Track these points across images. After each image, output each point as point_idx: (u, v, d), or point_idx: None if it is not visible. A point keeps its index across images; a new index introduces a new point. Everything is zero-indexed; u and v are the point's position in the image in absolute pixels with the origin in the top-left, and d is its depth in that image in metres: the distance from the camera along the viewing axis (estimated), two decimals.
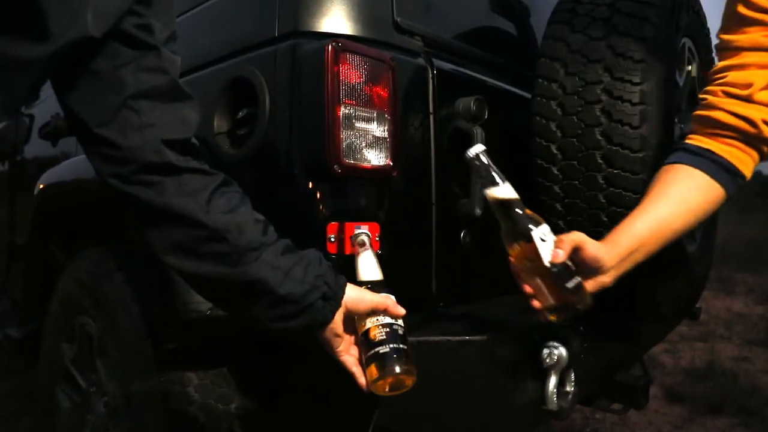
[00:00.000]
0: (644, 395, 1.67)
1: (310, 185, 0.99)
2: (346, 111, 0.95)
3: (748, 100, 0.89)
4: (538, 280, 0.86)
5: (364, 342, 0.82)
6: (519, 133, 1.23)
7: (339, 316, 0.81)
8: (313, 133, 0.97)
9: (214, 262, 0.74)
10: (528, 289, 0.88)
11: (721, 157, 0.92)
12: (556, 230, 1.19)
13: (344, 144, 0.95)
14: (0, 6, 0.57)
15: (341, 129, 0.95)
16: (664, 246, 0.93)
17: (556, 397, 0.99)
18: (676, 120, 1.22)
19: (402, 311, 0.84)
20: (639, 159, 1.06)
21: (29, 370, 1.93)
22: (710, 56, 1.52)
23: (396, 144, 1.03)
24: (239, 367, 1.20)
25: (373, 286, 0.87)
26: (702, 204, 0.93)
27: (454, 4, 1.34)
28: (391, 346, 0.80)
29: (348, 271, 0.88)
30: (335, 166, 0.95)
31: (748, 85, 0.89)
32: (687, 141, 0.96)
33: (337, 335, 0.83)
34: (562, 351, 0.99)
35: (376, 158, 1.00)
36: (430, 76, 1.15)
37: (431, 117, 1.14)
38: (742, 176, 0.93)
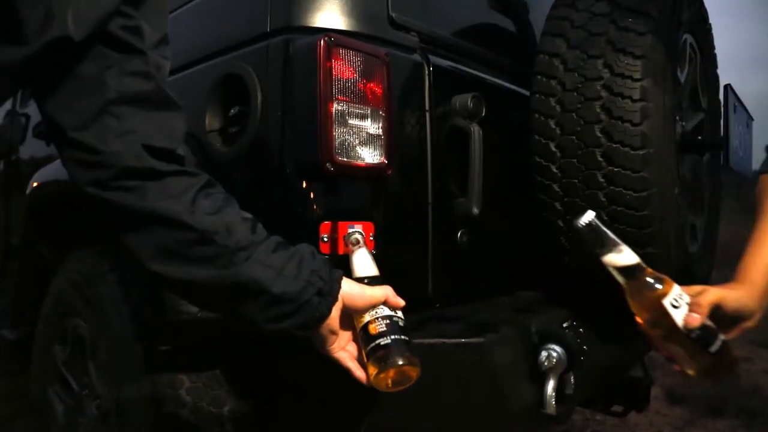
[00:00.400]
0: (645, 397, 1.66)
1: (303, 184, 0.98)
2: (339, 107, 0.93)
3: None
4: (677, 347, 0.80)
5: (364, 336, 0.80)
6: (517, 130, 1.21)
7: (336, 312, 0.79)
8: (306, 131, 0.95)
9: (204, 265, 0.71)
10: (666, 354, 0.82)
11: None
12: (556, 229, 1.18)
13: (337, 141, 0.93)
14: None
15: (334, 126, 0.93)
16: None
17: (555, 401, 0.97)
18: (677, 117, 1.20)
19: (401, 302, 0.82)
20: (640, 156, 1.04)
21: (25, 371, 1.91)
22: (711, 52, 1.50)
23: (391, 142, 1.01)
24: (232, 369, 1.18)
25: (371, 281, 0.84)
26: None
27: None
28: (392, 337, 0.78)
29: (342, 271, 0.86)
30: (328, 164, 0.93)
31: None
32: None
33: (333, 332, 0.80)
34: (561, 353, 0.97)
35: (370, 156, 0.98)
36: (426, 72, 1.13)
37: (427, 114, 1.12)
38: None
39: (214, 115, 1.12)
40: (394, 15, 1.11)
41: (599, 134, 1.07)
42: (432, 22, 1.21)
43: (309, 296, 0.75)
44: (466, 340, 0.95)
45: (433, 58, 1.15)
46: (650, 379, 1.71)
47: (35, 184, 1.65)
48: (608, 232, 0.80)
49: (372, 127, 0.98)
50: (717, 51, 1.54)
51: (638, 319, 0.82)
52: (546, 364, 0.97)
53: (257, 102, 1.02)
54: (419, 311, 1.09)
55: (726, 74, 2.30)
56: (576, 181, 1.11)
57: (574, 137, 1.10)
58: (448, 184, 1.15)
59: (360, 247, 0.90)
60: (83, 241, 1.52)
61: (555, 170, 1.13)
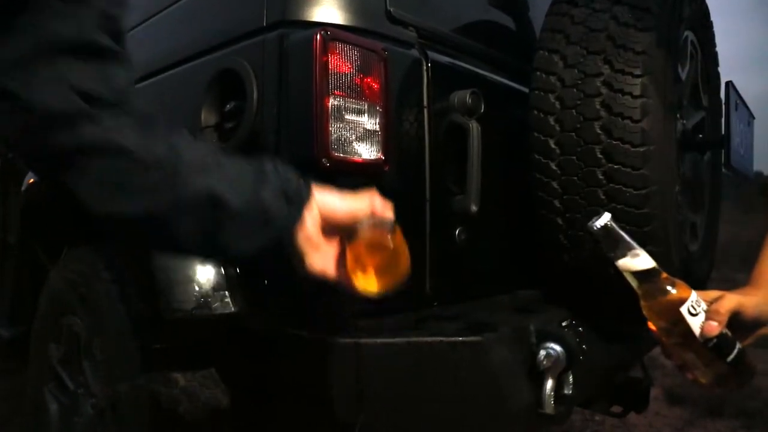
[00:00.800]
0: (644, 397, 1.64)
1: None
2: (336, 102, 0.92)
3: None
4: (692, 355, 0.77)
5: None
6: (516, 127, 1.20)
7: (311, 221, 0.69)
8: (302, 126, 0.94)
9: (154, 191, 0.64)
10: (679, 361, 0.79)
11: None
12: (556, 228, 1.17)
13: (333, 137, 0.92)
14: None
15: (330, 121, 0.92)
16: None
17: (554, 401, 0.96)
18: (678, 115, 1.19)
19: (389, 207, 0.75)
20: (640, 154, 1.03)
21: (21, 370, 1.90)
22: (713, 50, 1.49)
23: (388, 138, 1.00)
24: (227, 368, 1.17)
25: None
26: None
27: None
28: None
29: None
30: (324, 160, 0.92)
31: None
32: None
33: (313, 246, 0.70)
34: (560, 352, 0.96)
35: (366, 152, 0.97)
36: (425, 68, 1.12)
37: (425, 110, 1.11)
38: None
39: (210, 110, 1.11)
40: (391, 9, 1.10)
41: (599, 131, 1.06)
42: (430, 18, 1.20)
43: (277, 206, 0.67)
44: (464, 339, 0.94)
45: (432, 54, 1.14)
46: (650, 380, 1.70)
47: (30, 181, 1.64)
48: (624, 235, 0.78)
49: (369, 122, 0.97)
50: (718, 51, 1.53)
51: (651, 326, 0.79)
52: (545, 363, 0.96)
53: (253, 97, 1.01)
54: (417, 310, 1.08)
55: (727, 74, 2.29)
56: (575, 178, 1.10)
57: (573, 134, 1.09)
58: (446, 181, 1.13)
59: None
60: (78, 238, 1.50)
61: (554, 167, 1.12)
